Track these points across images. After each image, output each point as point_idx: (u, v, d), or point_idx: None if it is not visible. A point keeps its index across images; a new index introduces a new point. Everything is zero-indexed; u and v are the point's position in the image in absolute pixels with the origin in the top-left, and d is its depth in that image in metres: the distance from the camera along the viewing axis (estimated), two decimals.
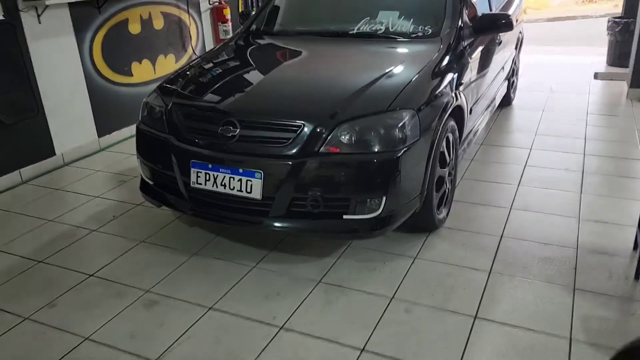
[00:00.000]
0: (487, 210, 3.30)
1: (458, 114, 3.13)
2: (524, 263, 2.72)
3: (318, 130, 2.47)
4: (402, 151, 2.48)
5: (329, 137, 2.47)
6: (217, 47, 3.66)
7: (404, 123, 2.51)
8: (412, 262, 2.76)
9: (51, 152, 4.23)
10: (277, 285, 2.63)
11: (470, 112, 3.41)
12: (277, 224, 2.56)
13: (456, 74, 3.09)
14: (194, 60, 3.50)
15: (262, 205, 2.56)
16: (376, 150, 2.46)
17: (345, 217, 2.51)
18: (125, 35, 4.80)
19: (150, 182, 3.00)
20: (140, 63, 4.98)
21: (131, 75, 4.89)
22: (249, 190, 2.54)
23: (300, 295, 2.54)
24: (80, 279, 2.76)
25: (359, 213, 2.51)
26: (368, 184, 2.47)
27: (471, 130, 3.65)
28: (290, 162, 2.46)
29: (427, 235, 3.00)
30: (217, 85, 3.00)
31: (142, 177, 3.08)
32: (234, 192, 2.58)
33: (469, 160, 4.07)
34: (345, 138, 2.47)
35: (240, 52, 3.49)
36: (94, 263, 2.89)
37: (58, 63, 4.20)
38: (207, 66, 3.30)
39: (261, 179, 2.51)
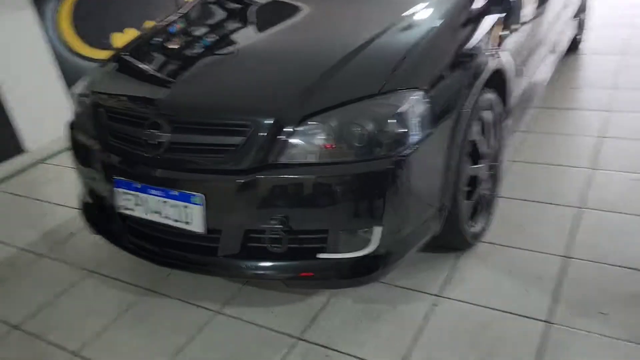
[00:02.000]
0: (547, 211, 2.37)
1: (499, 80, 2.20)
2: (601, 305, 1.82)
3: (275, 130, 1.65)
4: (403, 155, 1.62)
5: (287, 143, 1.64)
6: (181, 6, 2.83)
7: (406, 111, 1.63)
8: (433, 305, 1.93)
9: (18, 150, 3.64)
10: (242, 343, 1.89)
11: (521, 74, 2.44)
12: (228, 266, 1.80)
13: (495, 21, 2.13)
14: (149, 28, 2.71)
15: (208, 240, 1.80)
16: (363, 156, 1.61)
17: (320, 256, 1.71)
18: (99, 0, 4.05)
19: (89, 201, 2.30)
20: (122, 32, 4.24)
21: (112, 48, 4.18)
22: (187, 219, 1.78)
23: None
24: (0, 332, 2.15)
25: (342, 250, 1.69)
26: (351, 209, 1.64)
27: (524, 93, 2.68)
28: (236, 180, 1.67)
29: (456, 257, 2.15)
30: (152, 67, 2.20)
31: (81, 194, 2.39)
32: (170, 222, 1.83)
33: (522, 132, 3.09)
34: (315, 140, 1.64)
35: (197, 15, 2.65)
36: (23, 307, 2.26)
37: (16, 44, 3.54)
38: (152, 38, 2.49)
39: (202, 204, 1.74)
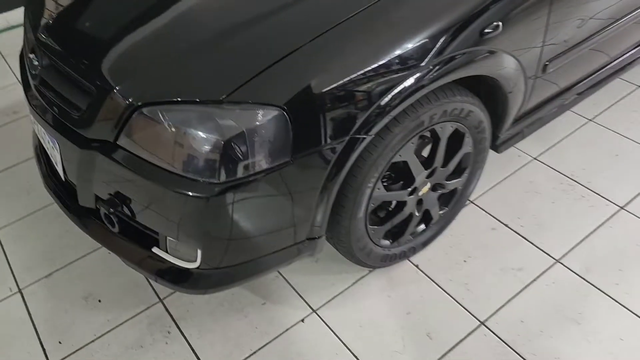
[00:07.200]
0: None
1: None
2: None
3: (110, 107, 1.37)
4: (230, 187, 1.28)
5: (125, 125, 1.37)
6: None
7: (247, 132, 1.25)
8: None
9: None
10: None
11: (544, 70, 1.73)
12: (80, 218, 1.67)
13: None
14: None
15: (69, 189, 1.70)
16: (187, 172, 1.30)
17: (154, 250, 1.52)
18: None
19: None
20: None
21: None
22: (57, 162, 1.67)
23: None
24: None
25: (172, 254, 1.49)
26: (172, 222, 1.38)
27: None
28: (76, 146, 1.47)
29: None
30: None
31: None
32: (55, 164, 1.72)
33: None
34: (141, 135, 1.35)
35: None
36: None
37: None
38: None
39: (58, 152, 1.60)
